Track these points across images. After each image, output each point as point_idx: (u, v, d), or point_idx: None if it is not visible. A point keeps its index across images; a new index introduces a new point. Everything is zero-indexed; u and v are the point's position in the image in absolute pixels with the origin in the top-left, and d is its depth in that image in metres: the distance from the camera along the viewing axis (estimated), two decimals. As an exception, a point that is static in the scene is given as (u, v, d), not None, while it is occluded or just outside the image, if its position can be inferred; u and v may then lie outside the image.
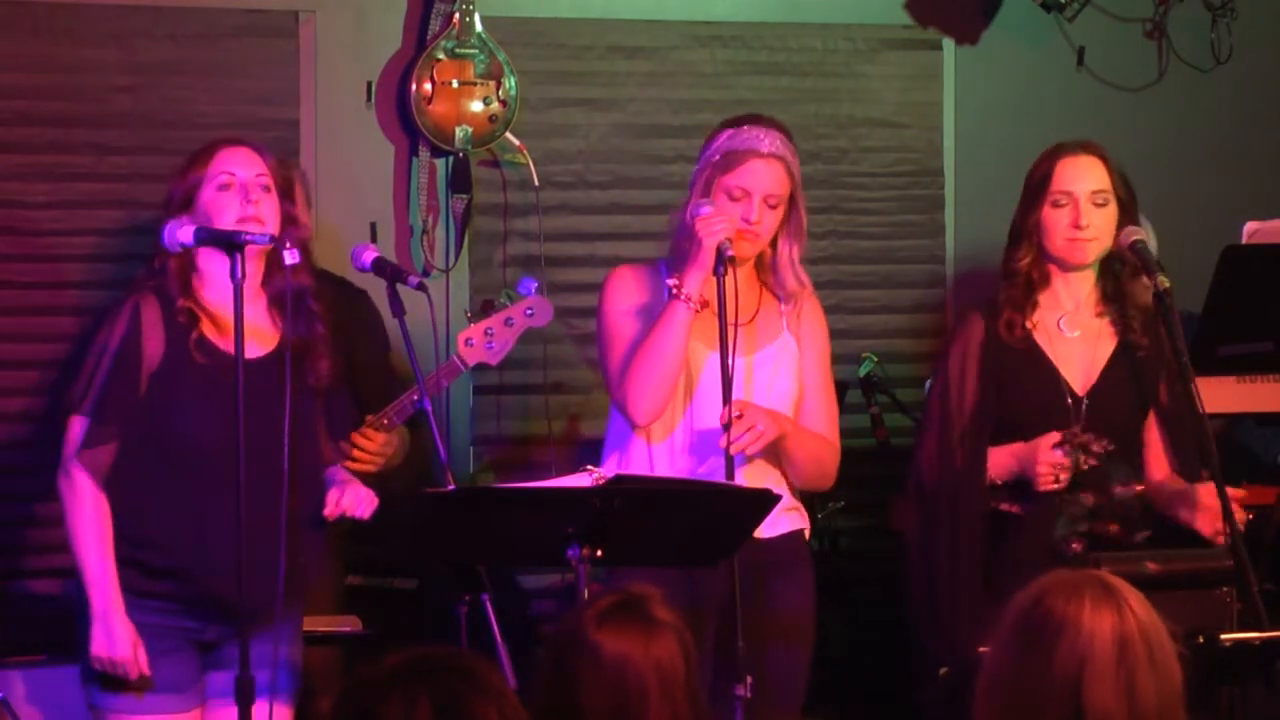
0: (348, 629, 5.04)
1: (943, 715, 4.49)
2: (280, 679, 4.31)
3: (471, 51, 5.83)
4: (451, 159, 5.90)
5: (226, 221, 4.25)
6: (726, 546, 4.22)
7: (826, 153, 6.28)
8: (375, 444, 4.96)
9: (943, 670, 4.45)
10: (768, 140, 4.56)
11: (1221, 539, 4.28)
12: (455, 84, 5.82)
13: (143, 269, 4.43)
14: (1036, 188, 4.58)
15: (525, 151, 5.93)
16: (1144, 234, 4.59)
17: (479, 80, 5.84)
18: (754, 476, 4.50)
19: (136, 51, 5.72)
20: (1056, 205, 4.55)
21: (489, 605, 4.31)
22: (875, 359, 6.14)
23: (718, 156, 4.56)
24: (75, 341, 5.48)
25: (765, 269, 4.64)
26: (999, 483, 4.52)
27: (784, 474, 4.61)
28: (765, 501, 4.22)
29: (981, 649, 2.76)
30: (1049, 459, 4.44)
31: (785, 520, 4.58)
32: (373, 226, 5.84)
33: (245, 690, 4.10)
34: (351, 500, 4.33)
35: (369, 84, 5.88)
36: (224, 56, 5.78)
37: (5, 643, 5.26)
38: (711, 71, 6.21)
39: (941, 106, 6.41)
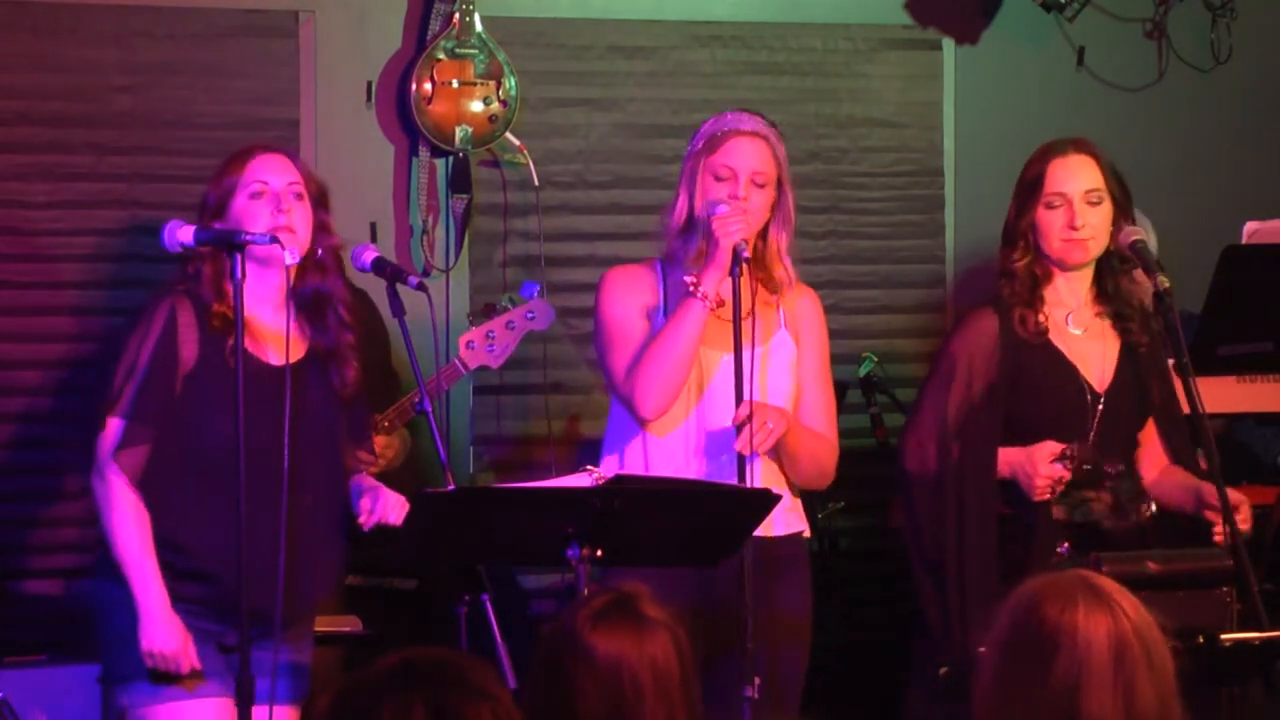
0: (348, 629, 5.04)
1: (942, 715, 4.49)
2: (296, 684, 4.36)
3: (471, 51, 5.83)
4: (451, 159, 5.90)
5: (259, 230, 4.26)
6: (727, 546, 4.22)
7: (826, 153, 6.28)
8: (376, 446, 4.95)
9: (942, 670, 4.44)
10: (750, 121, 4.61)
11: (1227, 539, 4.27)
12: (455, 84, 5.82)
13: (174, 271, 4.42)
14: (1029, 189, 4.56)
15: (525, 151, 5.93)
16: (1144, 233, 4.59)
17: (479, 80, 5.84)
18: (760, 476, 4.49)
19: (136, 51, 5.71)
20: (1050, 207, 4.54)
21: (489, 605, 4.31)
22: (875, 359, 6.14)
23: (701, 143, 4.60)
24: (98, 342, 5.51)
25: (757, 261, 4.62)
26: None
27: (784, 473, 4.61)
28: (765, 501, 4.23)
29: (981, 649, 2.74)
30: (1050, 473, 4.40)
31: (785, 520, 4.58)
32: (373, 226, 5.84)
33: (245, 691, 4.11)
34: (384, 507, 4.34)
35: (369, 84, 5.88)
36: (223, 56, 5.77)
37: (5, 643, 5.26)
38: (711, 71, 6.21)
39: (941, 106, 6.41)
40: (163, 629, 4.22)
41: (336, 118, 5.87)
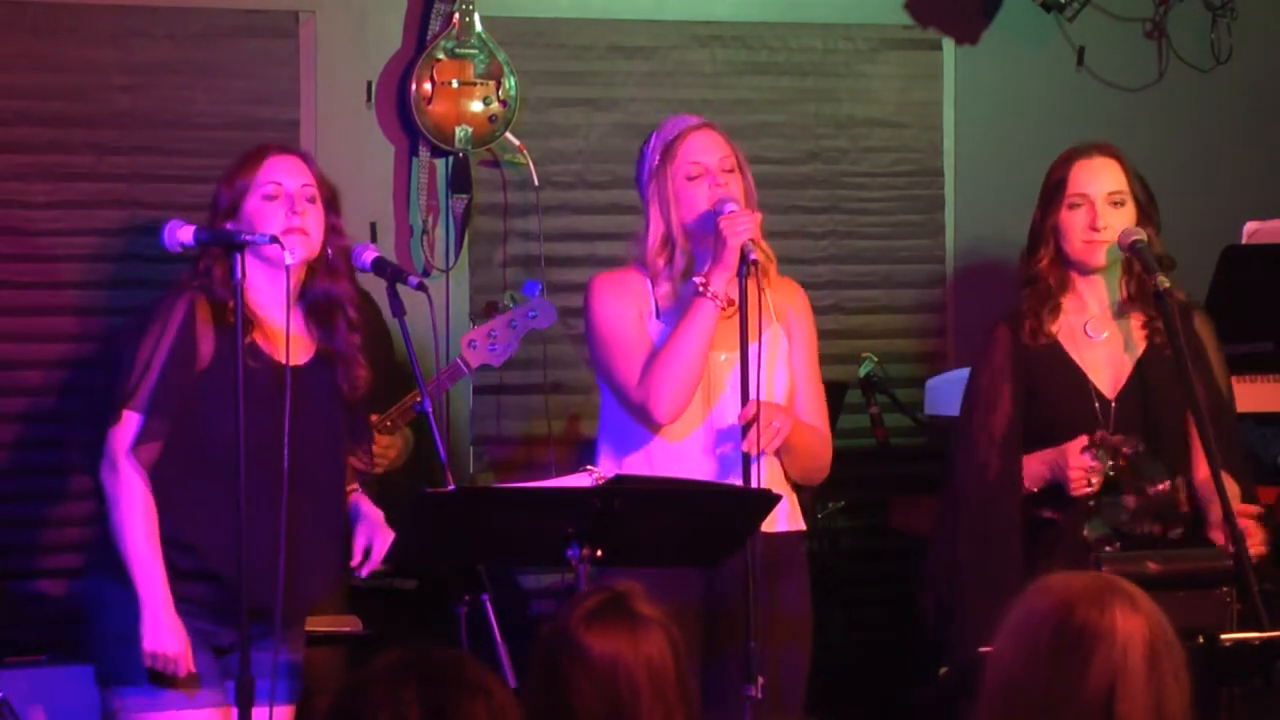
0: (348, 629, 5.04)
1: (943, 716, 4.48)
2: (293, 684, 4.36)
3: (471, 51, 5.83)
4: (451, 159, 5.90)
5: (273, 232, 4.26)
6: (727, 546, 4.22)
7: (826, 153, 6.28)
8: (378, 446, 4.96)
9: (942, 670, 4.44)
10: (692, 117, 4.63)
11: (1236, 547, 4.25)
12: (455, 84, 5.82)
13: (187, 270, 4.40)
14: (1053, 191, 4.57)
15: (525, 151, 5.93)
16: (1144, 234, 4.59)
17: (479, 80, 5.84)
18: (766, 476, 4.48)
19: (135, 51, 5.71)
20: (1073, 207, 4.54)
21: (489, 605, 4.31)
22: (875, 359, 6.14)
23: (657, 158, 4.58)
24: (99, 342, 5.51)
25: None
26: (1035, 490, 4.50)
27: (783, 469, 4.61)
28: (765, 501, 4.23)
29: (983, 649, 2.73)
30: (1079, 463, 4.40)
31: (785, 518, 4.58)
32: (373, 226, 5.84)
33: (246, 692, 4.11)
34: (380, 547, 4.35)
35: (369, 84, 5.88)
36: (223, 56, 5.77)
37: (5, 643, 5.26)
38: (711, 71, 6.21)
39: (941, 106, 6.41)
40: (166, 629, 4.20)
41: (336, 118, 5.87)
